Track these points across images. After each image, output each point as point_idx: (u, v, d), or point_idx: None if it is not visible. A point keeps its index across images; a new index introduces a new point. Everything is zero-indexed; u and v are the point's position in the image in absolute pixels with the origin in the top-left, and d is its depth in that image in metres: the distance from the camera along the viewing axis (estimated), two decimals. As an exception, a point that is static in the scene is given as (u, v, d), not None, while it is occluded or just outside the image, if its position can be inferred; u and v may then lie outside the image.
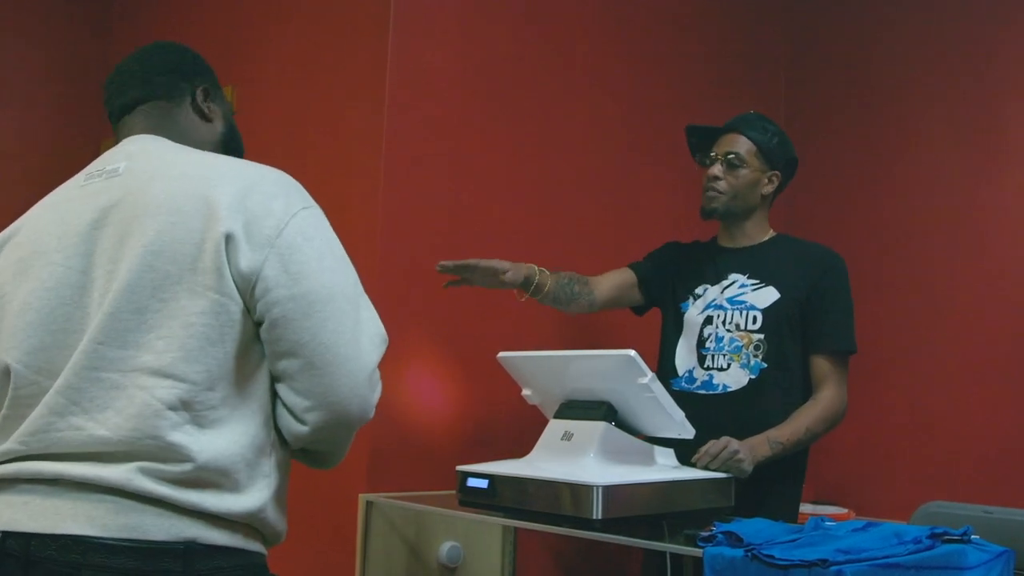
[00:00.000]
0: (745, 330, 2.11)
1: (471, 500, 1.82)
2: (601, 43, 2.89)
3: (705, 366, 2.14)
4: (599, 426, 1.78)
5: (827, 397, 2.06)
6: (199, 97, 1.46)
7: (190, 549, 1.18)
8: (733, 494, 1.82)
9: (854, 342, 2.13)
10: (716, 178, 2.20)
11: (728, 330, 2.13)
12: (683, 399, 2.05)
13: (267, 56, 2.81)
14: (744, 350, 2.11)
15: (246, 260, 1.21)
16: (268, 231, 1.23)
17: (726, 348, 2.13)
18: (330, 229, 1.33)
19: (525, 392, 1.98)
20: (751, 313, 2.12)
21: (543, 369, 1.92)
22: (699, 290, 2.24)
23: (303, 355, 1.24)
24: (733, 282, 2.19)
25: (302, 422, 1.27)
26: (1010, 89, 2.86)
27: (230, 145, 1.50)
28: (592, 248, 2.81)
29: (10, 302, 1.30)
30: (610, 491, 1.60)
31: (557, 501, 1.65)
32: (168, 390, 1.18)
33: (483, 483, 1.78)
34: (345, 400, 1.26)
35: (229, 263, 1.21)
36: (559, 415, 1.89)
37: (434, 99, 2.48)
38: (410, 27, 2.44)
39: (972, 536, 1.43)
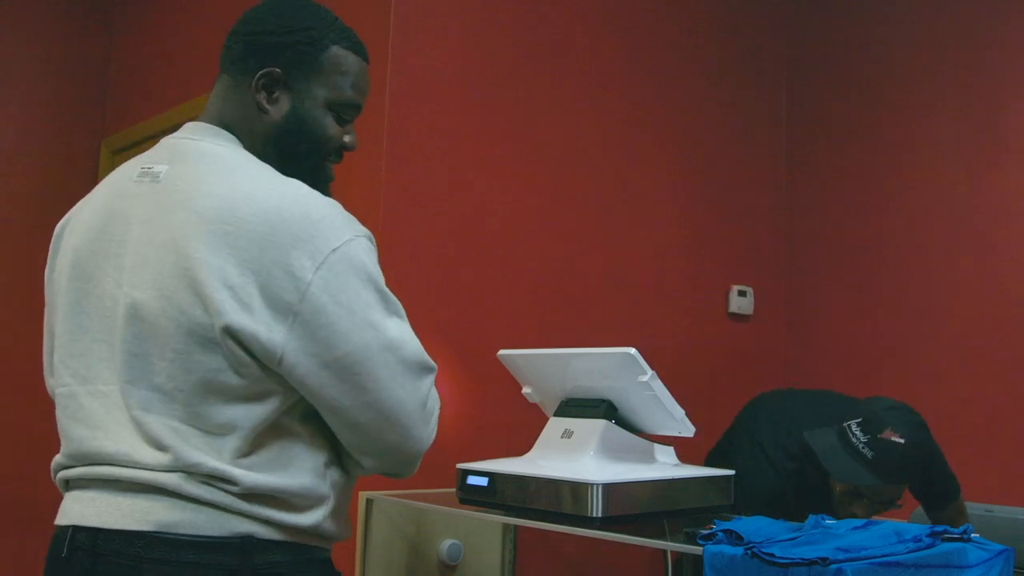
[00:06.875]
0: None
1: (471, 498, 1.82)
2: (601, 43, 2.89)
3: None
4: (599, 424, 1.78)
5: None
6: (258, 83, 1.31)
7: (247, 543, 1.17)
8: (732, 492, 1.82)
9: None
10: None
11: None
12: None
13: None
14: None
15: (266, 331, 1.14)
16: (289, 296, 1.14)
17: None
18: (364, 266, 1.20)
19: (525, 390, 1.98)
20: None
21: (543, 367, 1.92)
22: None
23: (347, 417, 1.21)
24: None
25: (360, 464, 1.28)
26: (1011, 88, 2.86)
27: (283, 143, 1.32)
28: (593, 247, 2.81)
29: (63, 297, 1.28)
30: (610, 489, 1.60)
31: (557, 499, 1.65)
32: (199, 438, 1.16)
33: (483, 481, 1.78)
34: (397, 446, 1.25)
35: (245, 345, 1.14)
36: (559, 413, 1.89)
37: (434, 99, 2.48)
38: (410, 27, 2.44)
39: (972, 534, 1.43)
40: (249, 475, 1.17)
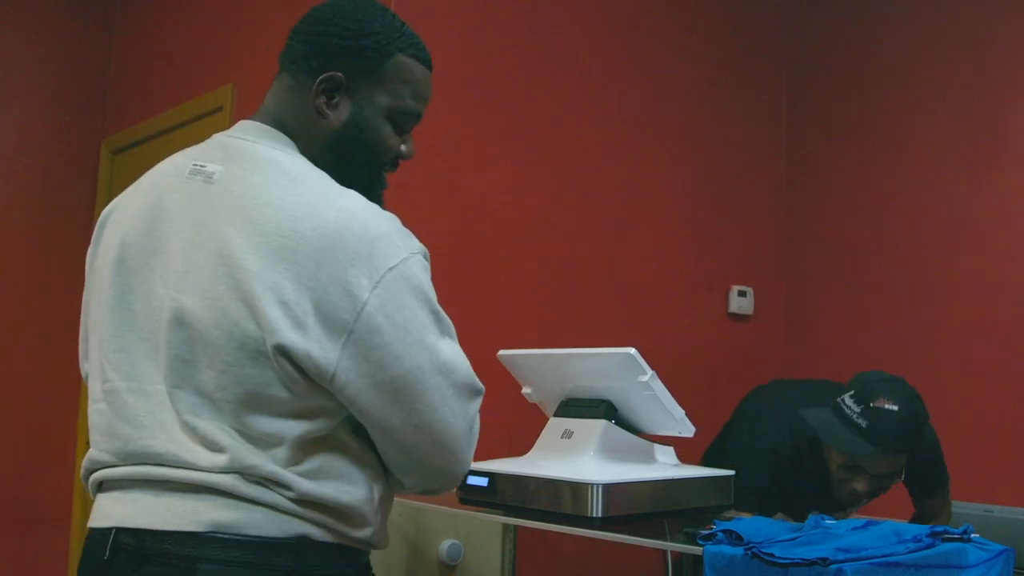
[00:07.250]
0: None
1: (471, 498, 1.82)
2: (601, 43, 2.89)
3: None
4: (599, 424, 1.78)
5: None
6: (318, 87, 1.26)
7: (302, 544, 1.16)
8: (732, 492, 1.82)
9: None
10: None
11: None
12: None
13: (268, 53, 2.80)
14: None
15: (319, 349, 1.12)
16: (345, 314, 1.12)
17: None
18: (420, 284, 1.19)
19: (525, 390, 1.98)
20: None
21: (543, 367, 1.92)
22: None
23: (395, 437, 1.20)
24: None
25: (400, 482, 1.27)
26: (1011, 88, 2.86)
27: (341, 150, 1.29)
28: (593, 247, 2.81)
29: (108, 291, 1.25)
30: (610, 489, 1.60)
31: (557, 499, 1.65)
32: (250, 444, 1.15)
33: (483, 481, 1.78)
34: (441, 468, 1.24)
35: (297, 363, 1.12)
36: (559, 413, 1.89)
37: (434, 99, 2.47)
38: (410, 26, 2.44)
39: (972, 534, 1.43)
40: (303, 482, 1.16)
